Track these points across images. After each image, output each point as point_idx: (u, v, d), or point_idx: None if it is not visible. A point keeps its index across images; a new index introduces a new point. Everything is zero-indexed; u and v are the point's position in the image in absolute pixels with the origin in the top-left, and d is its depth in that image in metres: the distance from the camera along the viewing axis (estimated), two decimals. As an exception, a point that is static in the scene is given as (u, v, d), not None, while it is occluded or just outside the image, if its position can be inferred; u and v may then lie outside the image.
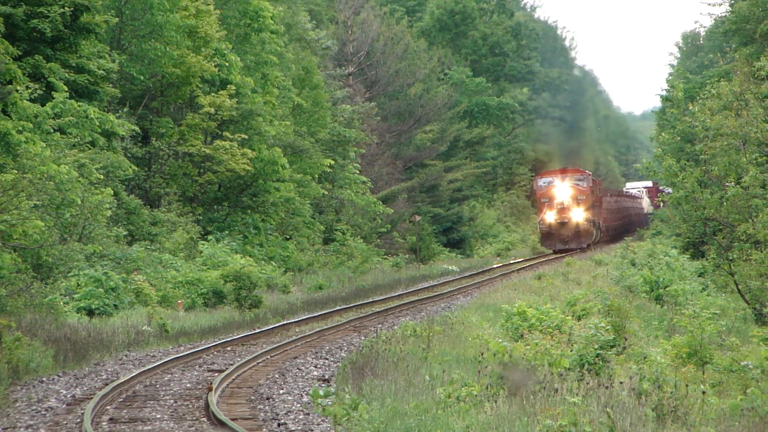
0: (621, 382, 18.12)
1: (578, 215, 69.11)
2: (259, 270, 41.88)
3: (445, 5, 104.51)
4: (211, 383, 20.92)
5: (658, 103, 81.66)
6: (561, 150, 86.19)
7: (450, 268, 60.01)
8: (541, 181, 71.01)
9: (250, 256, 45.93)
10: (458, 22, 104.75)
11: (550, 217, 69.33)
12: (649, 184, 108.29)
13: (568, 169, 72.53)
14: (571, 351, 21.96)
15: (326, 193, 61.59)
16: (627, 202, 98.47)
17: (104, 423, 17.87)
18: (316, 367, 23.74)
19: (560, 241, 69.20)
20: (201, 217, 49.94)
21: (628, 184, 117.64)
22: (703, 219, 34.02)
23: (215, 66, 49.14)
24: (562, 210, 69.18)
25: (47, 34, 37.91)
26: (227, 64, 50.72)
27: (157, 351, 27.43)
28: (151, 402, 19.73)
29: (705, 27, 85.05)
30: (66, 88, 37.69)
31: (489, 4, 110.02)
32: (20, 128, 33.68)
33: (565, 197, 69.22)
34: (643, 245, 60.52)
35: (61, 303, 30.66)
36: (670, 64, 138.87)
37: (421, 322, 30.33)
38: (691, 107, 36.38)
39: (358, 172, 68.56)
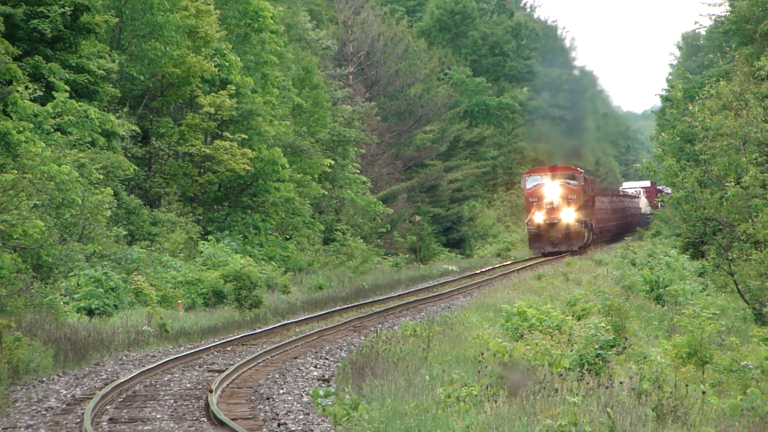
0: (621, 382, 18.12)
1: (569, 216, 65.49)
2: (259, 270, 41.89)
3: (445, 5, 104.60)
4: (211, 383, 20.92)
5: (658, 103, 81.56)
6: (561, 149, 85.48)
7: (450, 268, 60.01)
8: (530, 180, 67.18)
9: (250, 256, 45.94)
10: (458, 22, 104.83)
11: (538, 217, 65.61)
12: (647, 183, 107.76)
13: (558, 167, 68.50)
14: (571, 351, 21.96)
15: (326, 193, 61.59)
16: (623, 203, 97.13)
17: (104, 423, 17.87)
18: (316, 367, 23.74)
19: (549, 244, 65.65)
20: (201, 217, 49.94)
21: (625, 184, 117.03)
22: (703, 219, 34.02)
23: (215, 66, 49.14)
24: (552, 210, 65.42)
25: (47, 34, 37.91)
26: (227, 64, 50.73)
27: (157, 351, 27.43)
28: (151, 402, 19.73)
29: (705, 27, 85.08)
30: (67, 88, 37.69)
31: (489, 4, 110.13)
32: (20, 128, 33.69)
33: (554, 197, 65.51)
34: (643, 245, 60.52)
35: (61, 303, 30.65)
36: (670, 64, 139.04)
37: (421, 322, 30.33)
38: (690, 107, 36.39)
39: (358, 172, 68.57)
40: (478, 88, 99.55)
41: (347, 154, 66.55)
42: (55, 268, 32.28)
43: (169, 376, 22.98)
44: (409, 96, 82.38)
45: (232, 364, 23.87)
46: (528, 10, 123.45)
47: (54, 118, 36.50)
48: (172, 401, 19.78)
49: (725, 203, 31.62)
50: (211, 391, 19.70)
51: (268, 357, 25.40)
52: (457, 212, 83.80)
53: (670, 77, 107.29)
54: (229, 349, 27.61)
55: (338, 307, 37.10)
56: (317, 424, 16.95)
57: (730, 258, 32.34)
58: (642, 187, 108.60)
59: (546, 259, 63.20)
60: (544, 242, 66.07)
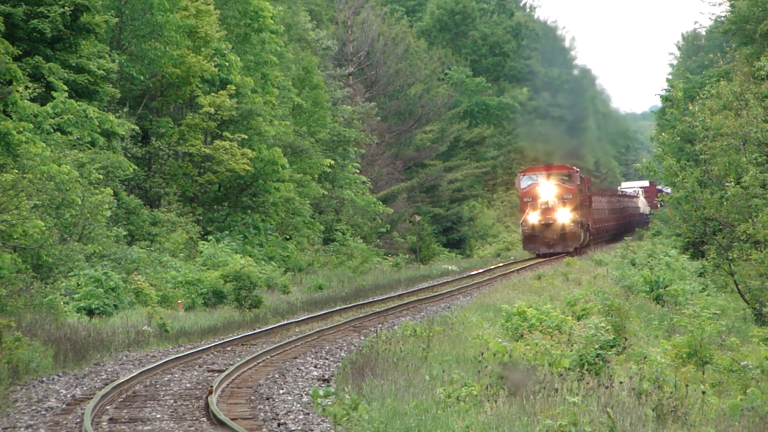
0: (621, 382, 18.13)
1: (564, 216, 64.05)
2: (259, 270, 41.88)
3: (445, 5, 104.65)
4: (211, 383, 20.92)
5: (658, 103, 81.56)
6: (561, 149, 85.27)
7: (450, 268, 60.00)
8: (525, 179, 65.59)
9: (250, 256, 45.94)
10: (458, 22, 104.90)
11: (533, 218, 64.21)
12: (646, 183, 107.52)
13: (553, 165, 66.88)
14: (571, 351, 21.96)
15: (326, 193, 61.60)
16: (621, 202, 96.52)
17: (104, 423, 17.86)
18: (316, 367, 23.74)
19: (544, 245, 64.30)
20: (201, 217, 49.95)
21: (624, 184, 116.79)
22: (703, 219, 34.03)
23: (215, 66, 49.15)
24: (547, 210, 63.99)
25: (47, 34, 37.92)
26: (227, 64, 50.74)
27: (157, 351, 27.42)
28: (151, 402, 19.73)
29: (705, 27, 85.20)
30: (66, 88, 37.69)
31: (489, 4, 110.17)
32: (20, 128, 33.69)
33: (549, 196, 64.08)
34: (642, 245, 60.49)
35: (61, 303, 30.65)
36: (670, 64, 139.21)
37: (421, 322, 30.32)
38: (691, 107, 36.39)
39: (358, 172, 68.58)
40: (478, 88, 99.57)
41: (347, 154, 66.57)
42: (55, 268, 32.28)
43: (169, 376, 22.98)
44: (409, 96, 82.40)
45: (232, 364, 23.87)
46: (528, 10, 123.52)
47: (54, 118, 36.50)
48: (172, 401, 19.77)
49: (725, 203, 31.63)
50: (211, 392, 19.69)
51: (268, 357, 25.40)
52: (457, 212, 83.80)
53: (670, 77, 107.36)
54: (228, 349, 27.60)
55: (338, 307, 37.09)
56: (317, 424, 16.95)
57: (730, 258, 32.34)
58: (641, 187, 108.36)
59: (545, 259, 62.80)
60: (538, 243, 64.80)
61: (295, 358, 25.35)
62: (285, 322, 32.89)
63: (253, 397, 19.84)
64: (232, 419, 17.34)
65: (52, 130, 35.97)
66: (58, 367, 23.96)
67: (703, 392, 17.81)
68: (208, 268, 41.04)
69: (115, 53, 43.75)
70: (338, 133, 64.72)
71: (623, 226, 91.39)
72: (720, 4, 62.05)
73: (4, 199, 27.95)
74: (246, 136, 49.78)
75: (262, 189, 51.70)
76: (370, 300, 40.31)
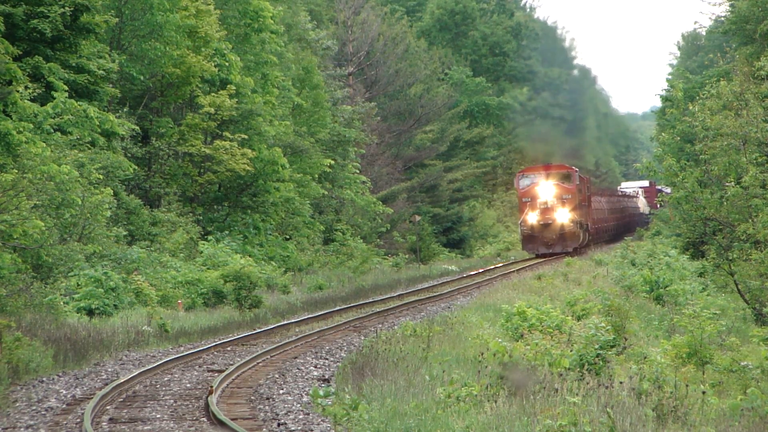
0: (621, 382, 18.13)
1: (563, 216, 63.74)
2: (259, 270, 41.88)
3: (445, 5, 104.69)
4: (211, 383, 20.92)
5: (658, 103, 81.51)
6: (561, 149, 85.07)
7: (450, 268, 59.99)
8: (523, 179, 65.22)
9: (250, 256, 45.93)
10: (458, 22, 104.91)
11: (532, 218, 63.92)
12: (646, 183, 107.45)
13: (552, 165, 66.49)
14: (571, 351, 21.97)
15: (326, 193, 61.60)
16: (621, 202, 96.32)
17: (104, 423, 17.87)
18: (316, 367, 23.74)
19: (543, 245, 64.00)
20: (201, 217, 49.94)
21: (623, 184, 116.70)
22: (703, 219, 34.05)
23: (215, 66, 49.14)
24: (546, 210, 63.69)
25: (47, 34, 37.91)
26: (227, 64, 50.73)
27: (157, 351, 27.42)
28: (151, 402, 19.73)
29: (705, 27, 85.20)
30: (66, 88, 37.69)
31: (489, 4, 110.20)
32: (20, 128, 33.69)
33: (548, 196, 63.78)
34: (642, 245, 60.49)
35: (61, 303, 30.65)
36: (670, 64, 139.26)
37: (421, 322, 30.33)
38: (691, 107, 36.40)
39: (358, 172, 68.58)
40: (478, 88, 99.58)
41: (347, 154, 66.57)
42: (55, 268, 32.28)
43: (169, 376, 22.98)
44: (409, 96, 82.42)
45: (232, 364, 23.86)
46: (528, 10, 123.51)
47: (54, 118, 36.50)
48: (172, 401, 19.78)
49: (725, 203, 31.66)
50: (211, 392, 19.69)
51: (268, 357, 25.40)
52: (457, 212, 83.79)
53: (670, 77, 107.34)
54: (228, 349, 27.60)
55: (338, 307, 37.08)
56: (317, 424, 16.95)
57: (730, 258, 32.36)
58: (640, 187, 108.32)
59: (545, 259, 62.73)
60: (537, 243, 64.47)
61: (295, 358, 25.36)
62: (285, 322, 32.89)
63: (253, 397, 19.84)
64: (232, 419, 17.34)
65: (52, 130, 35.96)
66: (58, 367, 23.96)
67: (703, 392, 17.82)
68: (208, 268, 41.04)
69: (115, 53, 43.74)
70: (338, 133, 64.72)
71: (623, 226, 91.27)
72: (720, 4, 62.07)
73: (4, 199, 27.96)
74: (246, 136, 49.77)
75: (262, 189, 51.69)
76: (370, 300, 40.32)
